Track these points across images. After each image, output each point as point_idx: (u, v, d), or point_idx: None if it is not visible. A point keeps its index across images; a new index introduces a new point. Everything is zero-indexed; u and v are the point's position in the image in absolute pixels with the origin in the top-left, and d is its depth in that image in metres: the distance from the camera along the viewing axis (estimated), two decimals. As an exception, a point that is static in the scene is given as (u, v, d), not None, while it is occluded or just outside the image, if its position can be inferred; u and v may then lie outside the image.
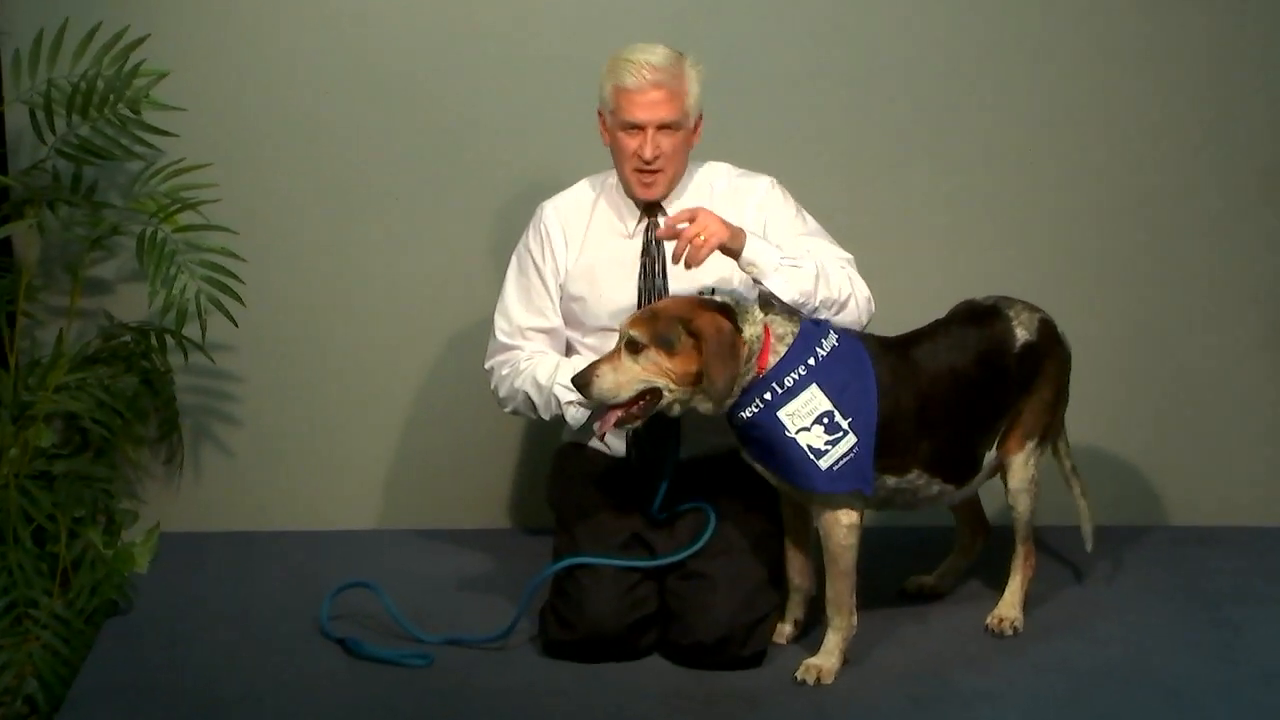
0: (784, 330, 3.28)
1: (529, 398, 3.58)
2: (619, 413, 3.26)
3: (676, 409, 3.29)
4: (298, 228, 4.24)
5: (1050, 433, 3.65)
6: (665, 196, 3.58)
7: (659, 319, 3.23)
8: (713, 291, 3.43)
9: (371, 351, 4.32)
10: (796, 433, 3.25)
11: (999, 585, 3.76)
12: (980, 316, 3.55)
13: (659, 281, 3.59)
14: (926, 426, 3.39)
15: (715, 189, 3.61)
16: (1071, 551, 4.03)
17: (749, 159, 3.81)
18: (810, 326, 3.31)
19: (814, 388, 3.26)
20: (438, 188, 4.25)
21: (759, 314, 3.28)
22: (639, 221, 3.62)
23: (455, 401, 4.29)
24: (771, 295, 3.33)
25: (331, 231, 4.25)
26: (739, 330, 3.22)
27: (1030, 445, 3.58)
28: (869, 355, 3.34)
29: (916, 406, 3.36)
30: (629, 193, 3.58)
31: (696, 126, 3.57)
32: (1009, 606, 3.70)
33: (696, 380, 3.22)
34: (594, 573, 3.49)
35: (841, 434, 3.25)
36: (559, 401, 3.52)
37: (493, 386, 3.66)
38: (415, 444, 4.36)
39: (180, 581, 3.94)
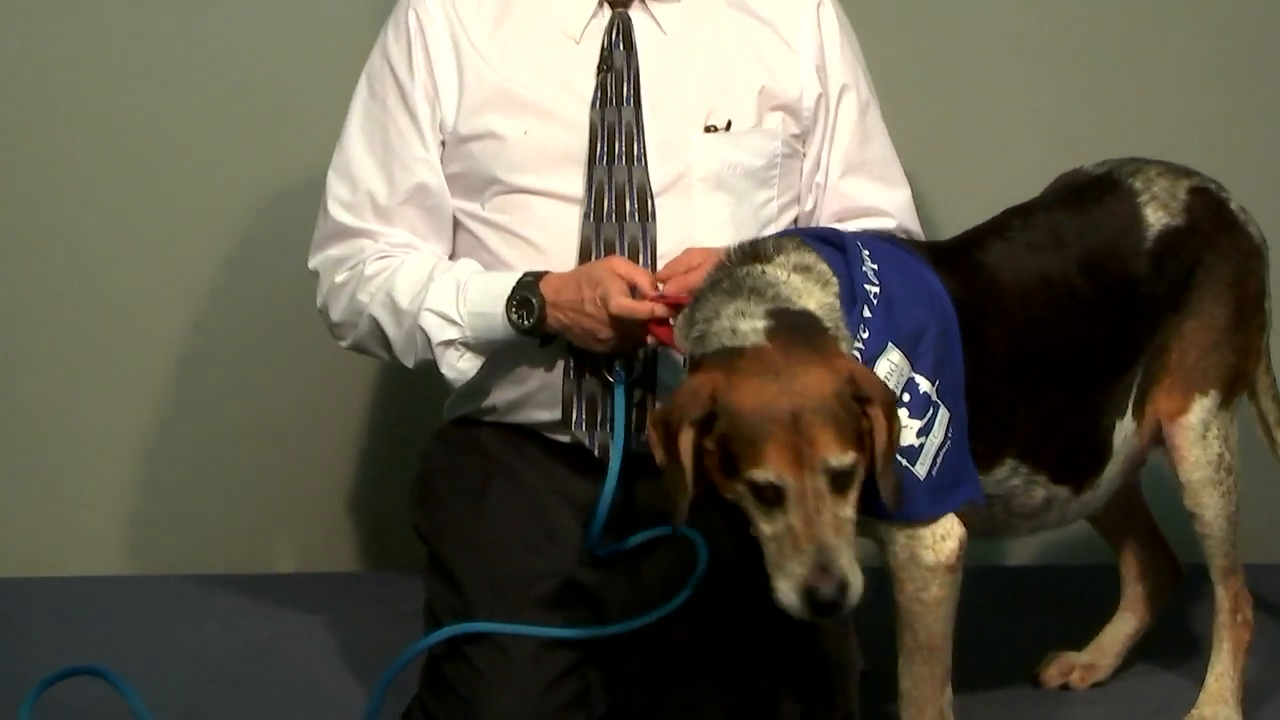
0: (821, 273, 2.65)
1: (377, 326, 2.97)
2: None
3: None
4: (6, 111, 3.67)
5: (1241, 381, 2.97)
6: None
7: (830, 411, 2.53)
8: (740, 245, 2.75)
9: (114, 308, 3.72)
10: None
11: (1195, 665, 3.09)
12: (1083, 194, 2.94)
13: (629, 113, 2.95)
14: (1023, 381, 2.81)
15: None
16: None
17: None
18: (833, 254, 2.67)
19: (890, 350, 2.66)
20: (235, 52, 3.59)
21: (801, 282, 2.65)
22: (596, 12, 3.00)
23: (248, 375, 3.74)
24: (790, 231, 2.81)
25: (63, 125, 3.63)
26: None
27: (1204, 403, 2.89)
28: (929, 270, 2.78)
29: (1008, 349, 2.79)
30: None
31: None
32: (1217, 700, 2.97)
33: None
34: (496, 648, 2.86)
35: (932, 411, 2.66)
36: (428, 339, 2.92)
37: (320, 302, 3.05)
38: (184, 443, 3.80)
39: None
